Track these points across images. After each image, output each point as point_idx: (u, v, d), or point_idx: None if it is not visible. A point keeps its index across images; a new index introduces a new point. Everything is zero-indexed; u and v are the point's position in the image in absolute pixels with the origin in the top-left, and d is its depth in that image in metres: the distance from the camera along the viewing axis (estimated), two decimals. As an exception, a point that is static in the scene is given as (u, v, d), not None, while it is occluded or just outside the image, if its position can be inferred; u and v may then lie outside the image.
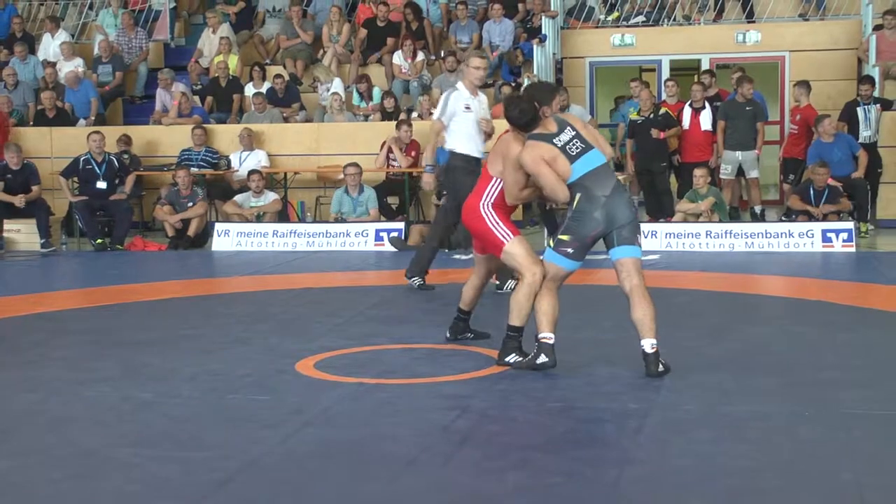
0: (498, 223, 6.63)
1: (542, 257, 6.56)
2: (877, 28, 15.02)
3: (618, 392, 5.97)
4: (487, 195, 6.66)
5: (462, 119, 9.30)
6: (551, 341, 6.33)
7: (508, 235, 6.59)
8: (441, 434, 5.24)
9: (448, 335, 7.29)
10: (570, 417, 5.58)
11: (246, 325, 8.11)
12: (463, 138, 9.33)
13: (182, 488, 4.54)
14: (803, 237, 11.77)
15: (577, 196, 6.33)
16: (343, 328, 7.92)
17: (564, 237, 6.37)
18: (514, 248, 6.56)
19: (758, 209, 13.94)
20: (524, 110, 6.42)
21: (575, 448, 5.06)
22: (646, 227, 12.27)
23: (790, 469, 4.68)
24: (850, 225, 11.96)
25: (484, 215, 6.64)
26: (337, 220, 13.29)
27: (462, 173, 9.13)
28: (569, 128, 6.41)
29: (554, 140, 6.33)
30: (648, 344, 6.25)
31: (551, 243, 6.49)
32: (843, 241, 11.66)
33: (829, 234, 11.77)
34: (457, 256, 11.80)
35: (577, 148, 6.34)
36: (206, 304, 9.39)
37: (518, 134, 6.53)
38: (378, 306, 8.94)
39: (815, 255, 11.53)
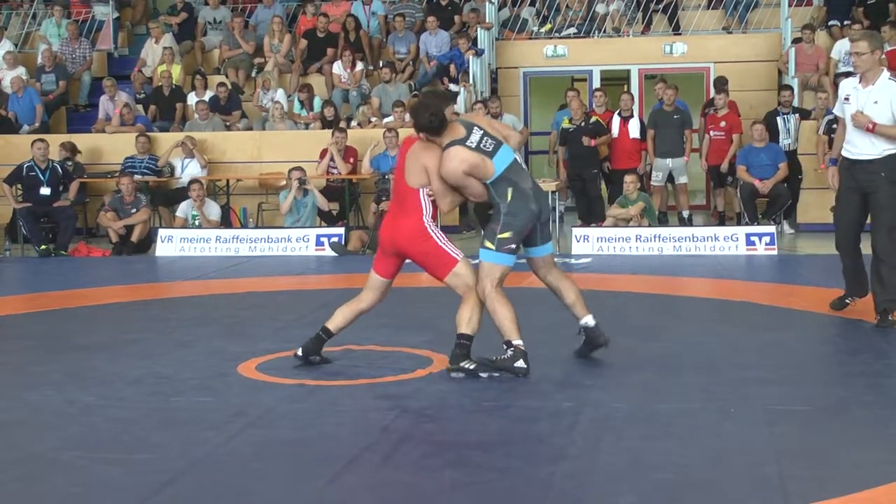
0: (447, 241, 6.47)
1: (482, 260, 6.45)
2: (795, 41, 15.45)
3: (551, 391, 6.11)
4: (426, 213, 6.44)
5: None
6: (522, 346, 6.35)
7: (458, 253, 6.44)
8: (380, 433, 5.34)
9: (299, 353, 6.80)
10: (505, 416, 5.67)
11: (189, 329, 8.17)
12: None
13: (126, 490, 4.58)
14: (728, 240, 12.07)
15: (510, 190, 6.34)
16: (285, 331, 7.99)
17: (505, 235, 6.35)
18: (465, 268, 6.43)
19: (685, 214, 14.25)
20: (434, 114, 6.30)
21: (510, 446, 5.16)
22: (578, 231, 12.54)
23: (716, 463, 4.81)
24: (772, 229, 12.31)
25: (432, 233, 6.44)
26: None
27: None
28: (475, 128, 6.40)
29: (467, 143, 6.30)
30: (591, 318, 6.60)
31: (490, 245, 6.39)
32: (766, 244, 11.95)
33: (752, 238, 12.07)
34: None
35: (490, 145, 6.35)
36: (150, 308, 9.41)
37: (428, 141, 6.44)
38: (319, 310, 8.96)
39: (739, 257, 11.78)
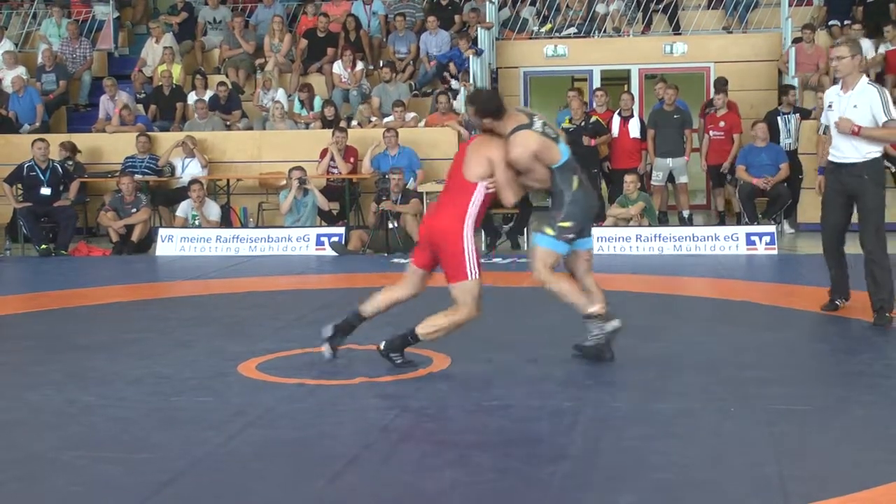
0: (472, 254, 6.43)
1: (537, 244, 6.55)
2: (796, 41, 15.46)
3: (551, 391, 6.12)
4: (469, 216, 6.43)
5: None
6: (603, 310, 6.49)
7: (476, 272, 6.42)
8: (380, 433, 5.34)
9: (329, 331, 6.86)
10: (505, 416, 5.67)
11: (189, 329, 8.18)
12: None
13: (126, 489, 4.59)
14: (728, 240, 12.07)
15: (575, 179, 6.50)
16: (285, 331, 8.00)
17: (567, 224, 6.47)
18: (474, 286, 6.42)
19: (686, 213, 14.26)
20: (490, 96, 6.49)
21: (510, 445, 5.17)
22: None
23: (716, 463, 4.82)
24: (772, 229, 12.31)
25: (465, 239, 6.41)
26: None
27: None
28: (536, 115, 6.56)
29: (533, 128, 6.44)
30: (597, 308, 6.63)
31: (550, 231, 6.50)
32: (766, 244, 11.95)
33: (752, 238, 12.07)
34: (395, 260, 11.94)
35: (552, 132, 6.52)
36: (150, 308, 9.41)
37: (489, 135, 6.51)
38: (319, 309, 9.01)
39: (739, 257, 11.78)
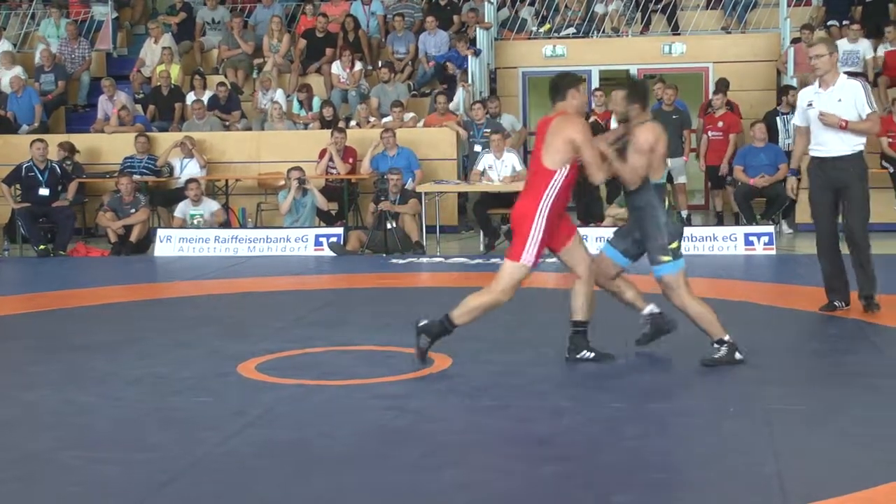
0: (536, 241, 6.42)
1: (663, 276, 6.63)
2: (794, 41, 15.46)
3: (550, 391, 6.14)
4: (546, 198, 6.45)
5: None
6: (733, 340, 6.59)
7: (531, 258, 6.43)
8: (379, 433, 5.35)
9: (567, 355, 6.77)
10: (504, 416, 5.69)
11: (188, 329, 8.17)
12: None
13: (124, 489, 4.59)
14: (727, 240, 12.07)
15: (666, 201, 6.71)
16: (284, 331, 8.00)
17: (675, 245, 6.63)
18: (520, 272, 6.45)
19: (684, 213, 14.25)
20: (645, 86, 6.78)
21: (509, 445, 5.20)
22: (580, 231, 12.51)
23: (714, 463, 4.83)
24: (770, 229, 12.32)
25: (535, 220, 6.42)
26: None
27: None
28: None
29: None
30: (652, 307, 6.96)
31: (666, 258, 6.60)
32: (765, 244, 11.96)
33: (751, 238, 12.09)
34: (394, 261, 11.96)
35: None
36: (149, 308, 9.43)
37: (571, 115, 6.53)
38: (318, 310, 9.03)
39: (738, 257, 11.79)
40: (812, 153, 8.20)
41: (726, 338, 6.58)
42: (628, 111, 6.64)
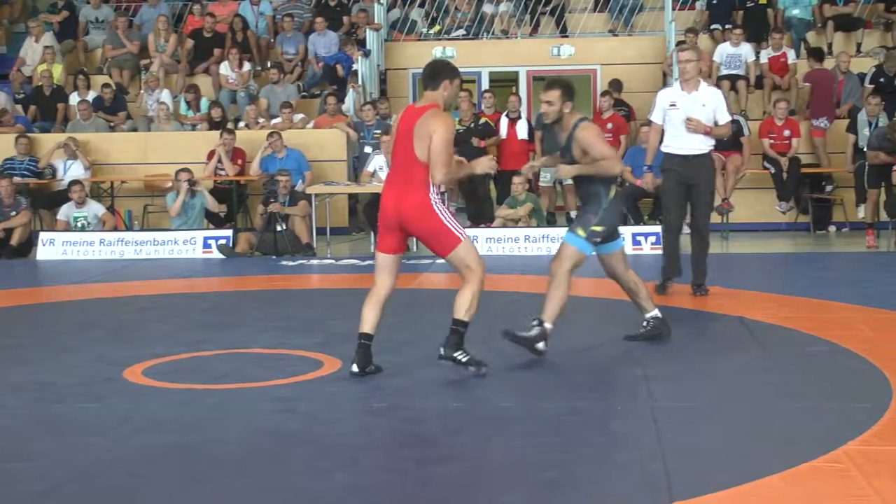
0: (452, 219, 6.35)
1: (568, 243, 6.78)
2: (679, 44, 15.73)
3: (440, 392, 6.15)
4: (433, 190, 6.29)
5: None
6: (550, 328, 6.76)
7: (462, 232, 6.34)
8: (270, 437, 5.31)
9: (355, 370, 6.41)
10: (395, 417, 5.69)
11: (73, 334, 8.02)
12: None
13: (6, 499, 4.47)
14: (616, 241, 12.20)
15: (613, 188, 6.82)
16: (172, 335, 7.90)
17: (599, 228, 6.78)
18: (469, 247, 6.37)
19: (573, 214, 14.39)
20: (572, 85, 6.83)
21: (400, 447, 5.21)
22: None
23: (603, 461, 4.90)
24: (657, 229, 12.50)
25: (438, 211, 6.28)
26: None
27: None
28: None
29: None
30: (657, 311, 7.30)
31: (581, 232, 6.77)
32: (652, 243, 12.16)
33: (638, 238, 12.29)
34: (284, 263, 11.88)
35: None
36: (31, 313, 9.22)
37: (440, 111, 6.36)
38: (207, 312, 8.94)
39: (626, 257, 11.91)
40: (669, 150, 8.97)
41: (548, 325, 6.75)
42: (562, 109, 6.77)
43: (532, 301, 9.16)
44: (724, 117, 8.88)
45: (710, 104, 8.80)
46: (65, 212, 13.47)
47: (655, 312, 7.29)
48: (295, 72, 16.36)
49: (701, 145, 8.83)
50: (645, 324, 7.30)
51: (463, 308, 6.31)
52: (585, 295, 9.70)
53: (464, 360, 6.32)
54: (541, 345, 6.72)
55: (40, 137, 15.09)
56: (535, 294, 9.53)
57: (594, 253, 6.97)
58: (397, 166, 6.45)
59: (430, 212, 6.26)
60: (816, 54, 14.88)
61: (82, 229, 13.25)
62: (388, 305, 6.43)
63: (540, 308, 6.89)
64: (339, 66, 15.78)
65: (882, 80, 14.43)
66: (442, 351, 6.35)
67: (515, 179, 13.13)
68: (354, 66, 15.69)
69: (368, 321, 6.38)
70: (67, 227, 13.32)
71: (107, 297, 10.00)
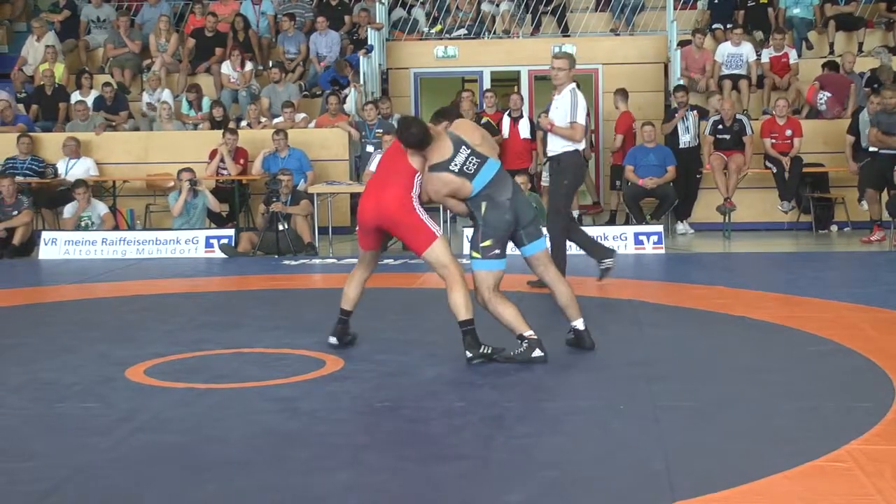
0: (428, 218, 6.69)
1: (473, 271, 6.69)
2: (681, 44, 15.75)
3: (443, 391, 6.14)
4: (414, 188, 6.67)
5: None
6: (535, 336, 6.63)
7: (437, 231, 6.68)
8: (272, 436, 5.30)
9: (333, 341, 7.14)
10: (397, 417, 5.69)
11: (74, 334, 8.01)
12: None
13: (6, 499, 4.46)
14: (617, 240, 12.18)
15: (483, 205, 6.67)
16: (174, 334, 7.90)
17: (487, 243, 6.66)
18: (443, 245, 6.68)
19: (575, 213, 14.39)
20: (415, 132, 6.62)
21: (402, 446, 5.18)
22: (468, 231, 12.57)
23: (605, 460, 4.88)
24: (660, 228, 12.53)
25: (416, 208, 6.66)
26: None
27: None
28: (463, 147, 6.67)
29: (451, 167, 6.61)
30: (581, 323, 6.93)
31: (476, 254, 6.68)
32: (654, 243, 12.16)
33: (640, 237, 12.28)
34: (286, 262, 11.88)
35: (473, 165, 6.66)
36: (33, 312, 9.21)
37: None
38: (209, 312, 8.93)
39: (627, 256, 11.90)
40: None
41: (527, 334, 6.67)
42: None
43: (532, 300, 9.21)
44: (568, 118, 9.30)
45: (563, 106, 9.36)
46: (70, 211, 13.47)
47: (578, 323, 7.02)
48: (297, 71, 16.37)
49: (555, 146, 9.47)
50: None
51: (461, 309, 6.58)
52: (585, 295, 9.72)
53: (489, 351, 6.62)
54: (536, 352, 6.65)
55: (42, 136, 15.10)
56: (535, 294, 9.56)
57: (505, 267, 6.79)
58: (382, 174, 6.88)
59: (410, 208, 6.64)
60: (831, 66, 14.93)
61: (86, 229, 13.25)
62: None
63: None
64: (347, 64, 15.77)
65: (877, 86, 14.43)
66: (468, 354, 6.60)
67: (518, 179, 13.09)
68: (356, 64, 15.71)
69: (349, 298, 7.05)
70: (77, 227, 13.32)
71: (108, 297, 10.00)
